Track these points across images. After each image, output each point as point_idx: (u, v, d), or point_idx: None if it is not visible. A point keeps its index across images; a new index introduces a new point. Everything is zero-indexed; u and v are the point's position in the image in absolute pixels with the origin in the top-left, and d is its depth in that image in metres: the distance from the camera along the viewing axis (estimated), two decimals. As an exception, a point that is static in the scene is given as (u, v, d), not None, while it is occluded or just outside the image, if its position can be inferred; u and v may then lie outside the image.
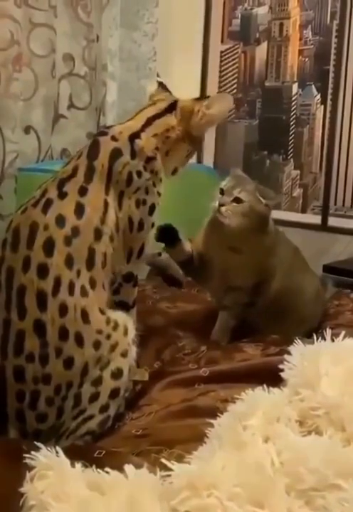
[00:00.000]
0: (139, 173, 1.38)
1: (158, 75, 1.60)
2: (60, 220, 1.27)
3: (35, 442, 0.96)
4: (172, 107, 1.48)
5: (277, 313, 1.69)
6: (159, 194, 1.43)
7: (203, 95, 3.02)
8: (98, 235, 1.29)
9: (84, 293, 1.25)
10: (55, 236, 1.25)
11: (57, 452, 0.90)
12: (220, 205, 1.61)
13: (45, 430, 1.24)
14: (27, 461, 0.88)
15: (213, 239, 1.68)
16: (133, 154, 1.38)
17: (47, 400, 1.23)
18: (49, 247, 1.24)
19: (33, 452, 0.89)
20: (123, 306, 1.39)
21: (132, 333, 1.33)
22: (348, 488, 0.82)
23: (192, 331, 1.70)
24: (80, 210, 1.29)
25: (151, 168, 1.41)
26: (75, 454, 0.93)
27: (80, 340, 1.23)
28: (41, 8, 2.45)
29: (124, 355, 1.30)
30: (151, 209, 1.41)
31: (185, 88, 2.95)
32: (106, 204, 1.32)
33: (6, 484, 0.96)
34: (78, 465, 0.90)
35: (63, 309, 1.23)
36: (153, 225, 1.43)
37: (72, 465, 0.89)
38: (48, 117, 2.54)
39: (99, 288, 1.28)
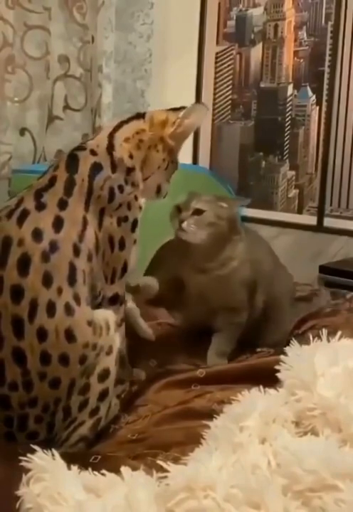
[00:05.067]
0: (120, 188, 1.32)
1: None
2: (37, 234, 1.18)
3: (31, 445, 0.94)
4: (139, 115, 1.42)
5: (264, 323, 1.61)
6: (140, 208, 1.38)
7: (198, 99, 3.03)
8: (77, 251, 1.21)
9: (69, 311, 1.17)
10: (31, 252, 1.17)
11: (53, 455, 0.90)
12: (181, 221, 1.49)
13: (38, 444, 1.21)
14: (23, 463, 0.88)
15: (182, 263, 1.55)
16: (113, 168, 1.32)
17: (36, 419, 1.19)
18: (24, 265, 1.16)
19: (28, 455, 0.89)
20: None
21: (113, 319, 1.26)
22: (344, 489, 0.82)
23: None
24: (58, 223, 1.21)
25: (133, 181, 1.35)
26: (70, 460, 0.92)
27: (65, 360, 1.17)
28: (36, 10, 2.45)
29: (108, 352, 1.24)
30: (134, 225, 1.35)
31: (180, 90, 2.98)
32: (85, 221, 1.24)
33: (2, 487, 0.95)
34: (74, 467, 0.90)
35: (42, 334, 1.15)
36: (135, 241, 1.37)
37: (69, 468, 0.89)
38: (43, 119, 2.53)
39: (83, 304, 1.21)
